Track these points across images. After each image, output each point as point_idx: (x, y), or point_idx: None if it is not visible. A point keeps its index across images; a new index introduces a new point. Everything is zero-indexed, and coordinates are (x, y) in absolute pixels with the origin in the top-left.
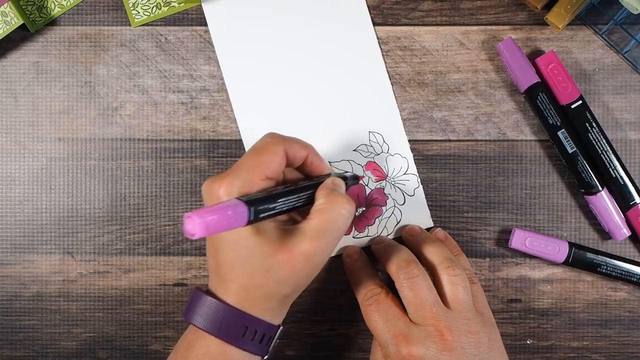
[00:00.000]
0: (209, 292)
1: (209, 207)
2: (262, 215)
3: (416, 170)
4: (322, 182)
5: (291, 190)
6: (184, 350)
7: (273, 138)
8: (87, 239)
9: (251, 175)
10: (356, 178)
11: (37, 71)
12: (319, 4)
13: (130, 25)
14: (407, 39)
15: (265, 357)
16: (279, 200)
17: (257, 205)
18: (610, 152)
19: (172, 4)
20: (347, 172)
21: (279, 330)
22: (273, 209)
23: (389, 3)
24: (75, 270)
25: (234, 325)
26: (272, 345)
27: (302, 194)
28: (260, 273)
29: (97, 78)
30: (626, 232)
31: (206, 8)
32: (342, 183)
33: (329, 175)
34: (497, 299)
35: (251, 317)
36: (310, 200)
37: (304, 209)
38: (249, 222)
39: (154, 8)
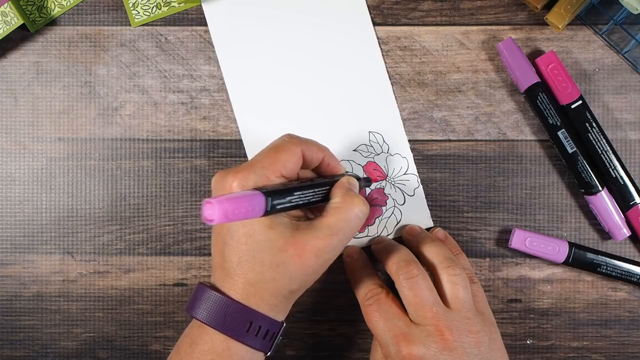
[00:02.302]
0: (214, 287)
1: (227, 195)
2: (278, 207)
3: (416, 170)
4: (337, 180)
5: (307, 185)
6: (187, 347)
7: (291, 138)
8: (87, 239)
9: (266, 171)
10: (369, 181)
11: (37, 71)
12: (319, 4)
13: (130, 25)
14: (407, 39)
15: (268, 353)
16: (296, 194)
17: (274, 197)
18: (610, 152)
19: (172, 4)
20: (359, 175)
21: (283, 327)
22: (289, 201)
23: (389, 3)
24: (75, 270)
25: (239, 321)
26: (275, 341)
27: (317, 190)
28: (270, 268)
29: (97, 78)
30: (626, 232)
31: (206, 8)
32: (357, 183)
33: (342, 175)
34: (497, 299)
35: (256, 313)
36: (325, 198)
37: (316, 207)
38: (266, 213)
39: (154, 8)
